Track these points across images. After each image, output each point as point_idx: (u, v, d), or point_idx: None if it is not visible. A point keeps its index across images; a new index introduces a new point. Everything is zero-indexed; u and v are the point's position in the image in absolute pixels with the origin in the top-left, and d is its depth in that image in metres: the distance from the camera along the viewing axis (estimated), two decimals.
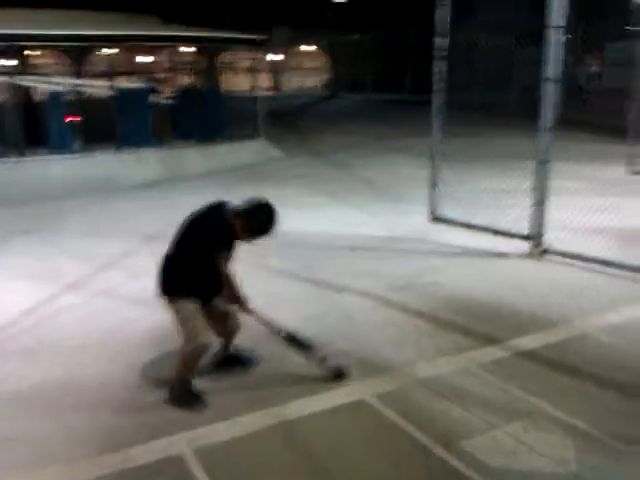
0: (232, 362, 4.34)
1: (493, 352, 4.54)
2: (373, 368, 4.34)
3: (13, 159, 12.06)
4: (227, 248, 3.90)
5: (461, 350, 4.59)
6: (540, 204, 6.52)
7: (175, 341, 4.77)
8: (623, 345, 4.59)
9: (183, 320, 3.91)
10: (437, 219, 7.93)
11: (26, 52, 17.76)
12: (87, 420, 3.81)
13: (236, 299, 3.95)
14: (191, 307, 3.90)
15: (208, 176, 12.44)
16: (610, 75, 20.85)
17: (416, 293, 5.73)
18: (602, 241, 6.77)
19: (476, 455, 3.36)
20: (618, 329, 4.85)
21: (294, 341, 4.12)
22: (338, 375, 4.10)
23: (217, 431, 3.64)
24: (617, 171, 10.41)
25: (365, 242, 7.46)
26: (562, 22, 6.27)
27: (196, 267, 3.91)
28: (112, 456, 3.45)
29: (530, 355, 4.48)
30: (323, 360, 4.09)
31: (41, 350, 4.79)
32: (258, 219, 3.87)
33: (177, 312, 3.94)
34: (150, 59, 42.63)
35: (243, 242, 3.93)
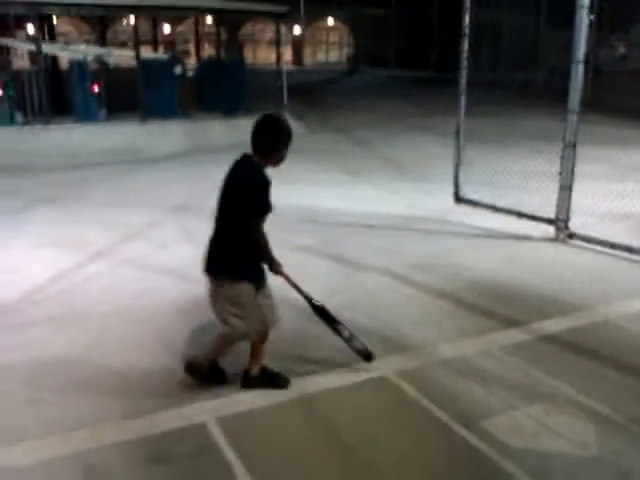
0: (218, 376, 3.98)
1: (515, 335, 4.56)
2: (395, 346, 4.38)
3: (39, 127, 12.17)
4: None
5: (483, 332, 4.61)
6: (567, 188, 6.48)
7: (200, 312, 4.87)
8: None
9: (239, 304, 3.66)
10: (461, 200, 7.90)
11: (51, 20, 17.73)
12: (113, 385, 3.90)
13: (269, 260, 3.74)
14: (251, 291, 3.68)
15: (231, 149, 12.22)
16: (636, 56, 20.53)
17: (438, 273, 5.74)
18: (627, 227, 6.73)
19: (496, 435, 3.39)
20: None
21: (323, 312, 4.06)
22: (366, 356, 4.12)
23: (240, 401, 3.70)
24: None
25: (387, 221, 7.47)
26: (587, 1, 6.17)
27: (249, 240, 3.63)
28: (136, 421, 3.53)
29: (552, 339, 4.48)
30: (349, 340, 4.10)
31: (68, 316, 4.89)
32: (280, 141, 3.61)
33: (236, 295, 3.65)
34: (174, 29, 42.53)
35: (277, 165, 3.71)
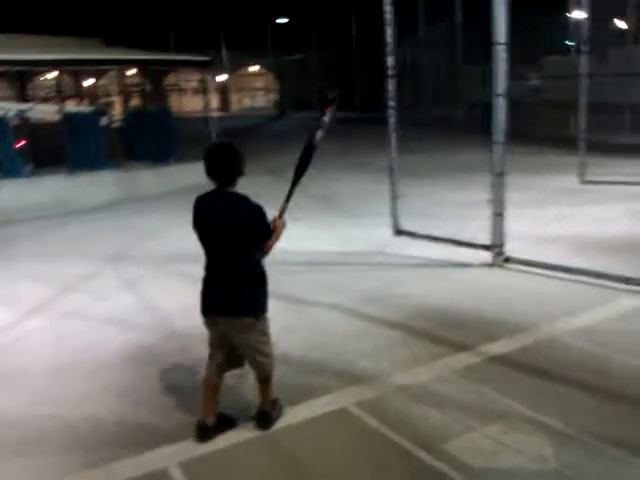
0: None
1: (465, 358, 4.64)
2: (351, 378, 4.39)
3: None
4: None
5: (435, 357, 4.68)
6: (499, 215, 6.69)
7: (148, 359, 4.77)
8: (590, 347, 4.73)
9: (264, 340, 3.67)
10: (400, 232, 8.05)
11: None
12: (65, 439, 3.77)
13: (277, 237, 3.65)
14: (268, 322, 3.72)
15: (162, 197, 12.36)
16: (550, 88, 21.56)
17: (385, 305, 5.81)
18: (561, 248, 7.01)
19: (457, 457, 3.43)
20: (583, 332, 5.01)
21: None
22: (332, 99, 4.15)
23: (199, 445, 3.62)
24: (567, 181, 10.77)
25: (328, 257, 7.53)
26: (504, 39, 6.49)
27: (258, 269, 3.63)
28: (96, 472, 3.43)
29: (501, 359, 4.59)
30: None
31: (8, 374, 4.70)
32: (242, 162, 3.56)
33: (261, 332, 3.65)
34: (96, 82, 42.14)
35: None
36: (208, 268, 3.62)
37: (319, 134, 4.04)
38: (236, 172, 3.54)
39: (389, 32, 7.96)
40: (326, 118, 4.10)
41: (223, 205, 3.52)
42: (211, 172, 3.52)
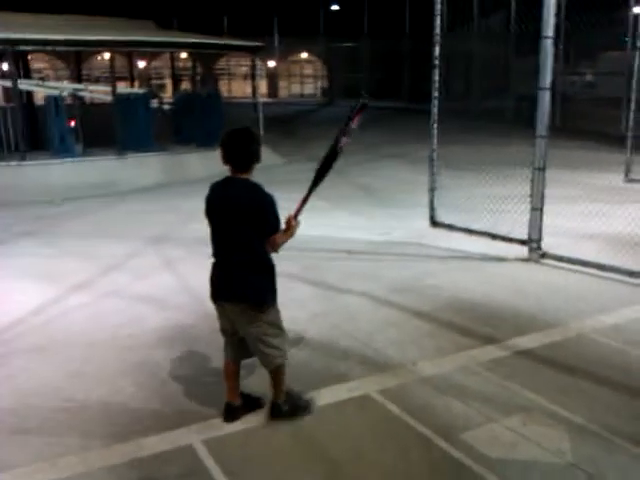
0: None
1: (492, 351, 4.68)
2: (376, 365, 4.47)
3: (14, 163, 12.18)
4: None
5: (461, 349, 4.72)
6: (538, 209, 6.66)
7: (183, 339, 4.94)
8: (618, 345, 4.73)
9: (273, 332, 3.63)
10: (436, 224, 8.07)
11: (26, 57, 17.85)
12: (97, 412, 3.94)
13: (287, 238, 3.63)
14: (279, 314, 3.70)
15: (207, 180, 12.45)
16: (604, 84, 21.12)
17: (416, 295, 5.87)
18: (598, 246, 6.94)
19: (476, 446, 3.49)
20: (613, 330, 4.99)
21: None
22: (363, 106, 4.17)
23: (220, 426, 3.74)
24: (612, 179, 10.58)
25: (365, 246, 7.60)
26: (552, 33, 6.43)
27: (265, 259, 3.62)
28: (123, 446, 3.57)
29: (528, 354, 4.61)
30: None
31: (50, 347, 4.91)
32: (258, 148, 3.58)
33: (268, 324, 3.61)
34: (148, 64, 42.80)
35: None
36: (216, 254, 3.64)
37: (344, 140, 4.01)
38: (251, 158, 3.55)
39: (437, 22, 7.94)
40: (354, 125, 4.09)
41: (234, 191, 3.54)
42: (226, 157, 3.54)
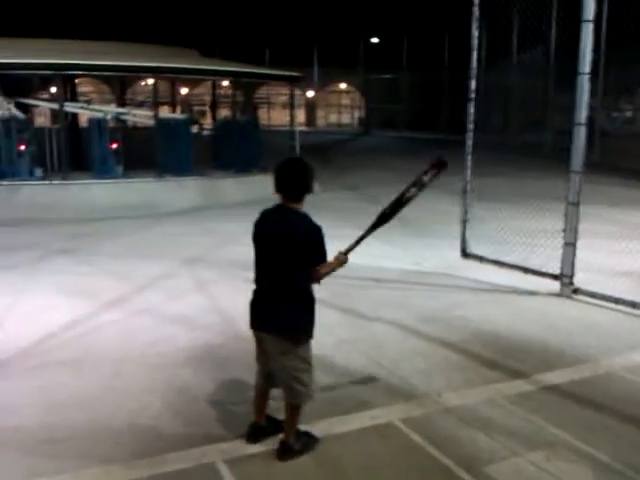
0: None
1: (519, 385, 4.65)
2: (401, 394, 4.48)
3: (57, 182, 12.53)
4: None
5: (488, 382, 4.70)
6: (571, 244, 6.62)
7: (212, 359, 5.01)
8: None
9: (304, 368, 3.60)
10: (468, 255, 8.06)
11: (73, 81, 18.42)
12: (124, 426, 4.02)
13: (336, 267, 3.68)
14: (311, 351, 3.66)
15: (244, 205, 12.70)
16: None
17: (445, 326, 5.86)
18: (631, 283, 6.84)
19: (498, 479, 3.47)
20: None
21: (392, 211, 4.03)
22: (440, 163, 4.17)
23: (249, 445, 3.78)
24: None
25: (397, 275, 7.62)
26: (588, 69, 6.44)
27: (307, 291, 3.61)
28: (147, 461, 3.64)
29: (555, 390, 4.57)
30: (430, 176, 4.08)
31: (82, 361, 5.03)
32: (310, 180, 3.61)
33: (301, 358, 3.59)
34: (191, 91, 43.70)
35: None
36: (258, 281, 3.63)
37: (413, 191, 4.04)
38: (303, 188, 3.57)
39: (474, 56, 8.02)
40: (426, 178, 4.10)
41: (283, 220, 3.55)
42: (279, 186, 3.56)
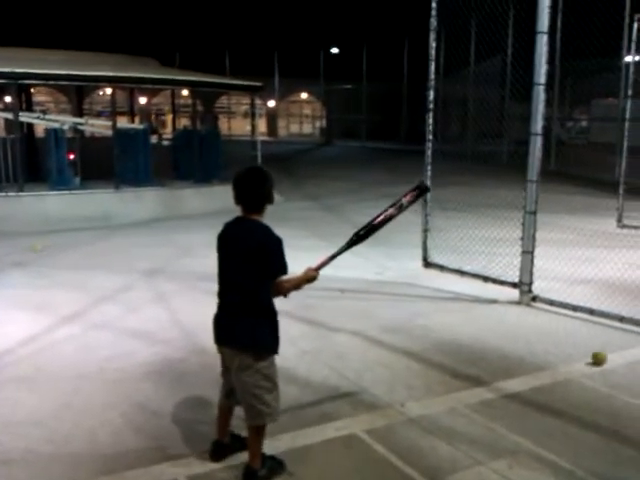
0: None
1: (481, 393, 4.68)
2: (364, 405, 4.46)
3: (12, 193, 12.24)
4: None
5: (450, 391, 4.72)
6: (529, 253, 6.72)
7: (171, 374, 4.93)
8: (606, 390, 4.73)
9: (266, 386, 3.45)
10: (429, 264, 8.12)
11: (29, 90, 18.09)
12: (84, 444, 3.91)
13: (302, 283, 3.62)
14: (275, 368, 3.53)
15: (205, 216, 12.62)
16: (597, 130, 21.45)
17: (407, 335, 5.87)
18: (589, 291, 6.98)
19: None
20: (601, 375, 5.00)
21: (367, 233, 3.94)
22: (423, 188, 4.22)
23: (211, 463, 3.71)
24: (605, 224, 10.70)
25: (357, 285, 7.62)
26: (544, 80, 6.56)
27: (267, 304, 3.52)
28: (110, 478, 3.55)
29: (516, 397, 4.61)
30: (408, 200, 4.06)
31: (39, 378, 4.89)
32: (270, 189, 3.53)
33: (263, 375, 3.43)
34: (149, 100, 43.31)
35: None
36: (221, 295, 3.56)
37: (391, 211, 4.00)
38: (263, 199, 3.49)
39: (432, 68, 8.11)
40: (405, 200, 4.08)
41: (243, 232, 3.50)
42: (238, 197, 3.49)
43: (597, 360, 5.18)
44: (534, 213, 6.67)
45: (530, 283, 6.77)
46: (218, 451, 3.75)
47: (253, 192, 3.51)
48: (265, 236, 3.46)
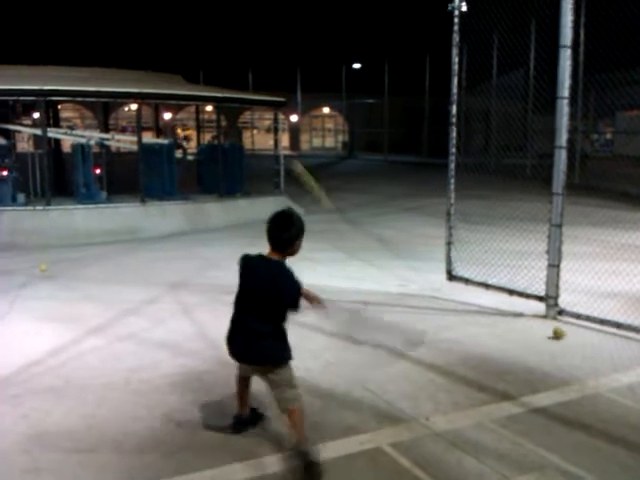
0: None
1: (507, 408, 4.63)
2: (389, 418, 4.44)
3: (40, 207, 12.43)
4: None
5: (475, 405, 4.68)
6: (555, 266, 6.66)
7: (196, 385, 4.96)
8: (634, 405, 4.65)
9: (292, 380, 3.91)
10: (453, 277, 8.08)
11: (56, 106, 18.39)
12: (109, 454, 3.95)
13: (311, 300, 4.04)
14: (293, 371, 3.96)
15: (229, 229, 12.76)
16: (621, 142, 21.25)
17: (431, 348, 5.84)
18: (616, 304, 6.88)
19: None
20: (629, 389, 4.92)
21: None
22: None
23: (235, 472, 3.74)
24: (631, 237, 10.54)
25: (382, 298, 7.60)
26: (567, 93, 6.54)
27: (284, 327, 3.96)
28: None
29: (543, 412, 4.56)
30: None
31: (65, 388, 4.95)
32: (293, 236, 3.87)
33: (280, 379, 3.88)
34: (174, 116, 43.78)
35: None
36: (238, 315, 3.94)
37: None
38: (285, 243, 3.86)
39: (455, 82, 8.10)
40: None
41: (266, 271, 3.87)
42: (269, 237, 3.86)
43: (557, 334, 6.05)
44: (560, 226, 6.62)
45: (556, 296, 6.71)
46: (239, 425, 4.15)
47: (282, 237, 3.85)
48: (284, 276, 3.83)
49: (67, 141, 15.85)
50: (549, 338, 6.08)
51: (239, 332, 3.93)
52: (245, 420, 4.17)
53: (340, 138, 52.24)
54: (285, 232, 3.83)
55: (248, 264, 3.95)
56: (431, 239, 10.25)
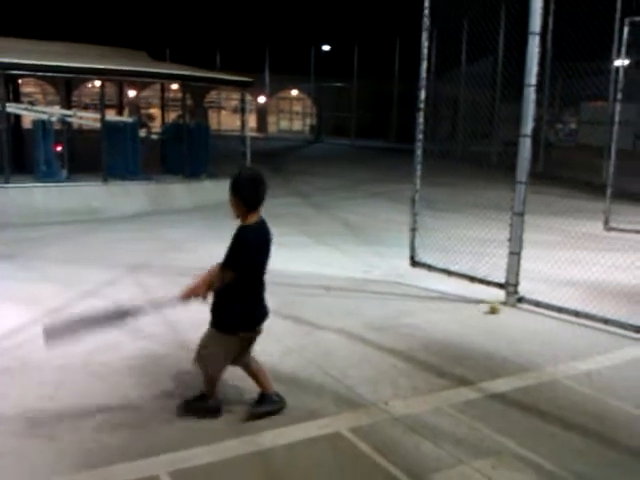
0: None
1: (466, 393, 4.68)
2: (349, 403, 4.46)
3: None
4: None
5: (434, 390, 4.72)
6: (516, 254, 6.73)
7: (155, 367, 4.91)
8: (590, 392, 4.75)
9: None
10: (416, 263, 8.12)
11: (16, 81, 17.94)
12: (66, 437, 3.89)
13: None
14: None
15: (193, 211, 12.61)
16: (585, 132, 21.57)
17: (392, 334, 5.87)
18: (574, 292, 7.01)
19: None
20: (586, 376, 5.02)
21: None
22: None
23: (195, 455, 3.71)
24: (592, 226, 10.73)
25: (344, 283, 7.61)
26: (534, 81, 6.58)
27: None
28: (90, 474, 3.52)
29: (501, 397, 4.62)
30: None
31: (22, 370, 4.86)
32: (249, 192, 4.09)
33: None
34: (139, 94, 43.03)
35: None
36: (260, 287, 4.13)
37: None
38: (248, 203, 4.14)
39: (424, 67, 8.09)
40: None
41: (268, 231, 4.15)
42: (263, 197, 4.09)
43: (492, 310, 6.51)
44: (522, 214, 6.68)
45: (516, 284, 6.79)
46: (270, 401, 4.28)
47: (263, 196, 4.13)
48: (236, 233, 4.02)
49: (27, 117, 15.45)
50: (485, 313, 6.51)
51: (263, 300, 4.15)
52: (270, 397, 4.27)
53: (308, 121, 52.00)
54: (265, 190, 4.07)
55: (262, 233, 4.08)
56: (397, 225, 10.26)
